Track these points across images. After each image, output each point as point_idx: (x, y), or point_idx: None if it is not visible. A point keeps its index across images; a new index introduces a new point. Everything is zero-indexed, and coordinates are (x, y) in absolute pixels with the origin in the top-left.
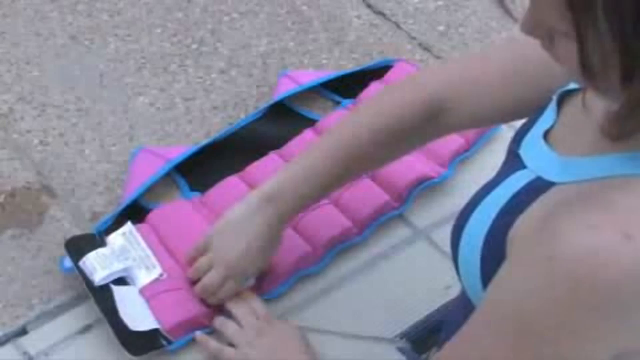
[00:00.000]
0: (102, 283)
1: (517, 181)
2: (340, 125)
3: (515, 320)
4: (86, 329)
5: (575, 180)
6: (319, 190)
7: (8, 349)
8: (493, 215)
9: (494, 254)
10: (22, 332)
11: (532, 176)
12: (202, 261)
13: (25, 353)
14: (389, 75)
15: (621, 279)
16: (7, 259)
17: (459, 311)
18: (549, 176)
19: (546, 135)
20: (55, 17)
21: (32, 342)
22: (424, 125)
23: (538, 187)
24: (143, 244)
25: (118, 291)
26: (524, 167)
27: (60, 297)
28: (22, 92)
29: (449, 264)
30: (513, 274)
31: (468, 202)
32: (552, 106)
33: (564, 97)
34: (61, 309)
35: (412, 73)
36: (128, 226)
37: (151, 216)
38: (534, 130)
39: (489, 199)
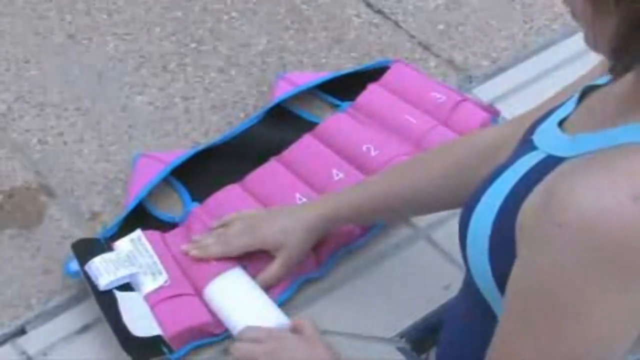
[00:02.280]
0: (107, 288)
1: (527, 162)
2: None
3: (539, 298)
4: (85, 329)
5: (583, 153)
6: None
7: (7, 349)
8: (503, 196)
9: (503, 235)
10: (21, 332)
11: (542, 155)
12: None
13: (23, 353)
14: (387, 76)
15: (632, 240)
16: (5, 258)
17: (459, 307)
18: (558, 153)
19: (561, 123)
20: (54, 16)
21: (31, 342)
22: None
23: (547, 164)
24: (151, 250)
25: (122, 298)
26: (535, 149)
27: (58, 297)
28: (21, 91)
29: (449, 264)
30: (529, 253)
31: (478, 186)
32: (574, 99)
33: (587, 92)
34: (60, 309)
35: (412, 74)
36: (137, 233)
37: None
38: (550, 119)
39: (499, 181)
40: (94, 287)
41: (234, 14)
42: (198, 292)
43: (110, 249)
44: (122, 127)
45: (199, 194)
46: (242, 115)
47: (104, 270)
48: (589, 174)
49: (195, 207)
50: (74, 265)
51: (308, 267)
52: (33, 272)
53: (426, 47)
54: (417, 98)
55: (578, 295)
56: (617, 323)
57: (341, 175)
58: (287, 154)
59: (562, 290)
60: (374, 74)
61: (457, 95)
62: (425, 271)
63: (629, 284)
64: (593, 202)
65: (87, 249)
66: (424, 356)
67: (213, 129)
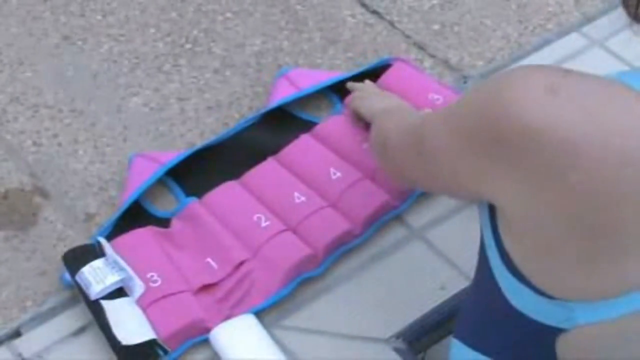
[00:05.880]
0: (98, 297)
1: None
2: None
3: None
4: (80, 331)
5: None
6: None
7: (2, 352)
8: None
9: None
10: (16, 334)
11: None
12: None
13: (19, 355)
14: (385, 78)
15: (530, 129)
16: (0, 260)
17: (469, 294)
18: None
19: None
20: (48, 17)
21: (26, 344)
22: None
23: None
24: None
25: (109, 306)
26: None
27: (54, 299)
28: (15, 93)
29: (444, 264)
30: (462, 97)
31: None
32: None
33: None
34: (55, 311)
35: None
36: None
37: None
38: None
39: None
40: (85, 297)
41: (228, 14)
42: (191, 288)
43: (102, 252)
44: (117, 128)
45: (194, 191)
46: (237, 116)
47: (93, 279)
48: (534, 68)
49: (193, 201)
50: (68, 276)
51: (307, 265)
52: (28, 273)
53: (421, 47)
54: (415, 100)
55: (453, 148)
56: (464, 175)
57: (339, 174)
58: (284, 153)
59: (448, 137)
60: (376, 74)
61: (454, 95)
62: (421, 271)
63: (491, 166)
64: (514, 85)
65: (77, 258)
66: (420, 356)
67: (208, 130)
